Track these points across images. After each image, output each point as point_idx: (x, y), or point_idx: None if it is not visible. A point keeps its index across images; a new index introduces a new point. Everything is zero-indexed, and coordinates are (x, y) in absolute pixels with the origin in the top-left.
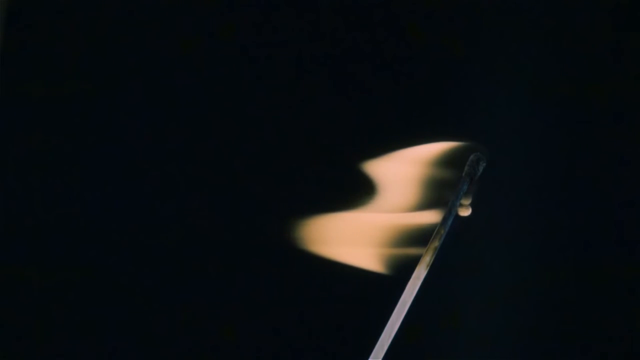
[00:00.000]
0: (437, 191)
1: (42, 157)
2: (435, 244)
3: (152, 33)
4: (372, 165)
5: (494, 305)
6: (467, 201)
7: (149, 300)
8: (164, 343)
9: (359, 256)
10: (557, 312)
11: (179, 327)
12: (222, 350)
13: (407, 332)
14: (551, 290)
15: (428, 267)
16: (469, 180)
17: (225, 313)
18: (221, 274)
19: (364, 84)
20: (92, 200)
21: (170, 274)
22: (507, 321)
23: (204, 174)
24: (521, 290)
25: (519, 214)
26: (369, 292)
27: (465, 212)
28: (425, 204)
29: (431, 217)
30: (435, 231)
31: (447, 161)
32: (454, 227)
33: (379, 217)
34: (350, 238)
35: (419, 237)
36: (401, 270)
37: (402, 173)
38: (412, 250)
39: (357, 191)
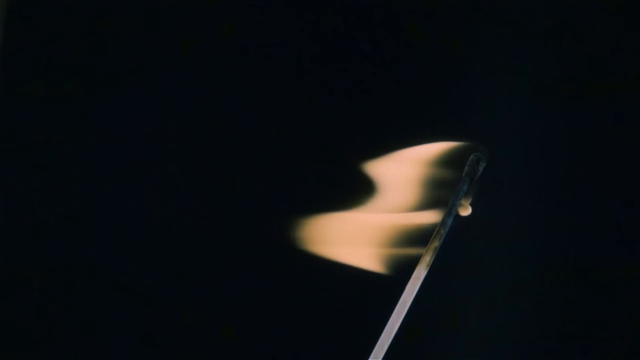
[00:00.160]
0: (437, 191)
1: (42, 157)
2: (435, 244)
3: (152, 33)
4: (372, 165)
5: (494, 305)
6: (467, 201)
7: (149, 300)
8: (164, 343)
9: (359, 256)
10: (557, 312)
11: (179, 327)
12: (222, 350)
13: (407, 332)
14: (551, 290)
15: (428, 267)
16: (469, 180)
17: (225, 313)
18: (221, 274)
19: (364, 84)
20: (92, 200)
21: (170, 274)
22: (507, 321)
23: (204, 174)
24: (521, 290)
25: (519, 214)
26: (369, 292)
27: (465, 212)
28: (425, 204)
29: (431, 217)
30: (435, 231)
31: (447, 161)
32: (454, 227)
33: (379, 217)
34: (350, 238)
35: (419, 237)
36: (401, 270)
37: (402, 173)
38: (412, 250)
39: (357, 191)
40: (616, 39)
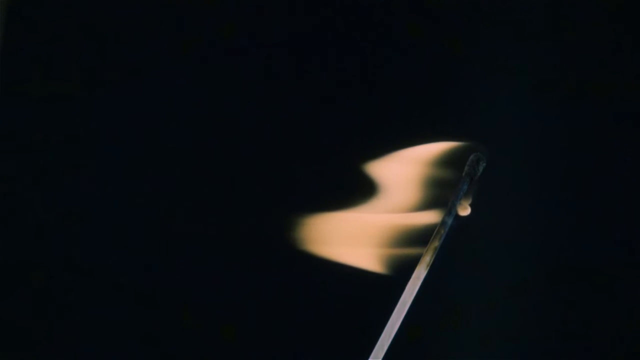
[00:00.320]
0: (437, 191)
1: (42, 157)
2: (435, 244)
3: (152, 33)
4: (372, 165)
5: (494, 305)
6: (467, 201)
7: (149, 300)
8: (164, 343)
9: (359, 256)
10: (557, 312)
11: (179, 327)
12: (222, 350)
13: (407, 332)
14: (551, 290)
15: (428, 267)
16: (469, 180)
17: (225, 313)
18: (221, 274)
19: (364, 84)
20: (92, 200)
21: (170, 274)
22: (507, 321)
23: (204, 173)
24: (521, 290)
25: (519, 214)
26: (369, 292)
27: (465, 211)
28: (425, 204)
29: (431, 217)
30: (435, 231)
31: (447, 161)
32: (454, 227)
33: (379, 217)
34: (350, 238)
35: (419, 237)
36: (401, 270)
37: (402, 173)
38: (412, 250)
39: (357, 191)
40: (616, 39)
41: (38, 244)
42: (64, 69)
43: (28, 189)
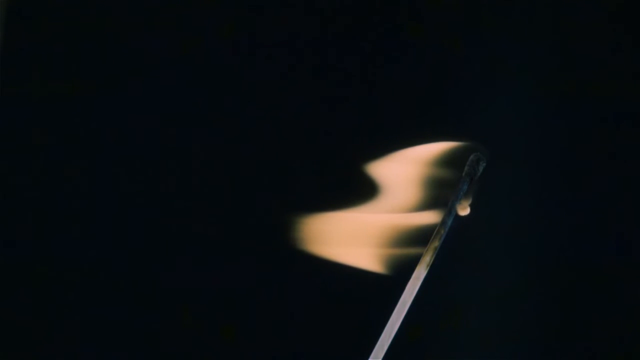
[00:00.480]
0: (437, 191)
1: (42, 157)
2: (435, 244)
3: (152, 33)
4: (372, 165)
5: (494, 305)
6: (467, 201)
7: (149, 300)
8: (164, 343)
9: (359, 256)
10: (557, 312)
11: (179, 327)
12: (222, 350)
13: (407, 332)
14: (551, 290)
15: (428, 267)
16: (469, 180)
17: (225, 313)
18: (221, 274)
19: (364, 83)
20: (92, 199)
21: (170, 274)
22: (507, 321)
23: (204, 173)
24: (521, 290)
25: (519, 214)
26: (369, 292)
27: (465, 211)
28: (425, 204)
29: (431, 217)
30: (435, 231)
31: (447, 161)
32: (454, 227)
33: (379, 217)
34: (350, 238)
35: (419, 237)
36: (401, 270)
37: (402, 173)
38: (412, 250)
39: (357, 191)
40: (616, 39)
41: (38, 244)
42: (64, 69)
43: (28, 189)
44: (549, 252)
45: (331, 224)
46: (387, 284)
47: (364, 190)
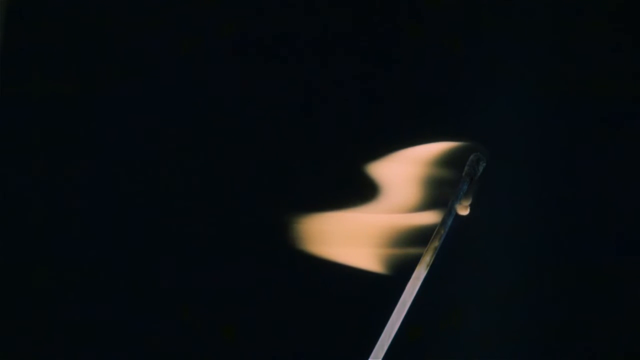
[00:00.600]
0: (437, 191)
1: (42, 157)
2: (435, 244)
3: (152, 33)
4: (372, 165)
5: (494, 305)
6: (467, 201)
7: (149, 300)
8: (164, 343)
9: (359, 256)
10: (557, 312)
11: (179, 327)
12: (221, 350)
13: (407, 332)
14: (551, 290)
15: (428, 267)
16: (469, 180)
17: (225, 313)
18: (221, 273)
19: (364, 84)
20: (92, 199)
21: (169, 274)
22: (507, 321)
23: (204, 173)
24: (521, 290)
25: (519, 214)
26: (369, 292)
27: (465, 211)
28: (425, 204)
29: (431, 217)
30: (435, 231)
31: (447, 161)
32: (454, 227)
33: (379, 217)
34: (350, 238)
35: (419, 237)
36: (401, 270)
37: (402, 173)
38: (412, 250)
39: (357, 191)
40: (616, 39)
41: (38, 244)
42: (64, 69)
43: (28, 189)
44: (549, 252)
45: (331, 224)
46: (387, 284)
47: (364, 190)
